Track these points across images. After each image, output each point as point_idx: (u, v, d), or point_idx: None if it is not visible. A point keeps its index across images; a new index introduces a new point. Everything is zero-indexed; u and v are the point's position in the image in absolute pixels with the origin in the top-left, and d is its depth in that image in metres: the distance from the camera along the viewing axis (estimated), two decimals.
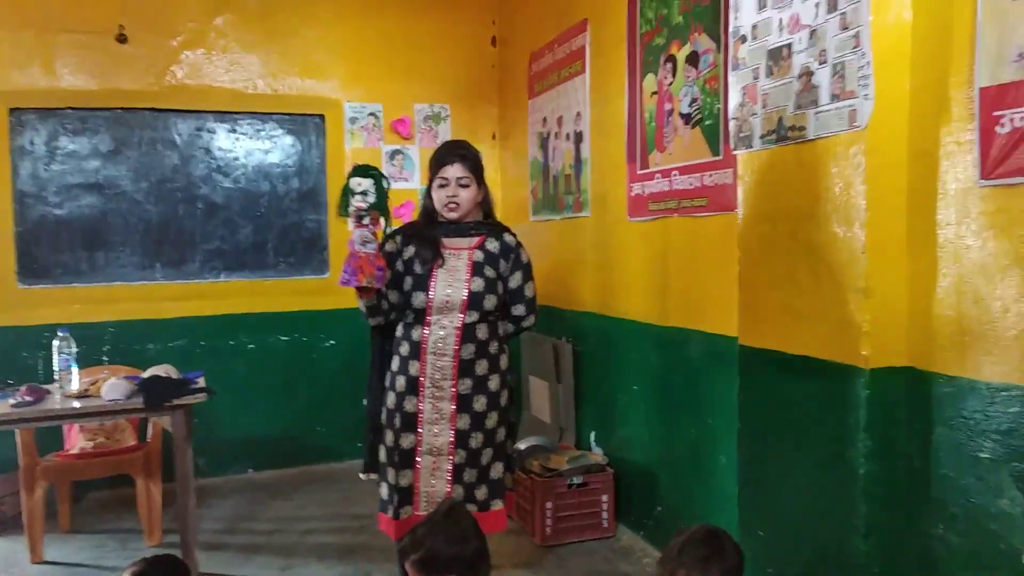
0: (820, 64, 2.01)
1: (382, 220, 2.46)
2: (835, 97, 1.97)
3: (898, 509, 1.94)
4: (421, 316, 2.53)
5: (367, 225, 2.39)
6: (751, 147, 2.29)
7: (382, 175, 2.47)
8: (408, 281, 2.54)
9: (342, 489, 4.25)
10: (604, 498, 3.48)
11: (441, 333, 2.52)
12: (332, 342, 4.67)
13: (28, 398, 2.67)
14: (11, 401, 2.65)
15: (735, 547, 1.81)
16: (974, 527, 1.77)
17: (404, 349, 2.56)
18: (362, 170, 2.45)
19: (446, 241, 2.58)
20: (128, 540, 3.58)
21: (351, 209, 2.41)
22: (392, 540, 2.57)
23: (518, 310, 2.68)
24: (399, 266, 2.57)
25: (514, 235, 2.71)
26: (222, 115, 4.52)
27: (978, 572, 1.77)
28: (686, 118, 3.02)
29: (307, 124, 4.70)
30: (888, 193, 1.92)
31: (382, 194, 2.44)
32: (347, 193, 2.42)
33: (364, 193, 2.40)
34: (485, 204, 2.66)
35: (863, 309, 1.92)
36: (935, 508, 1.87)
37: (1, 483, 3.80)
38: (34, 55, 4.13)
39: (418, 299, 2.51)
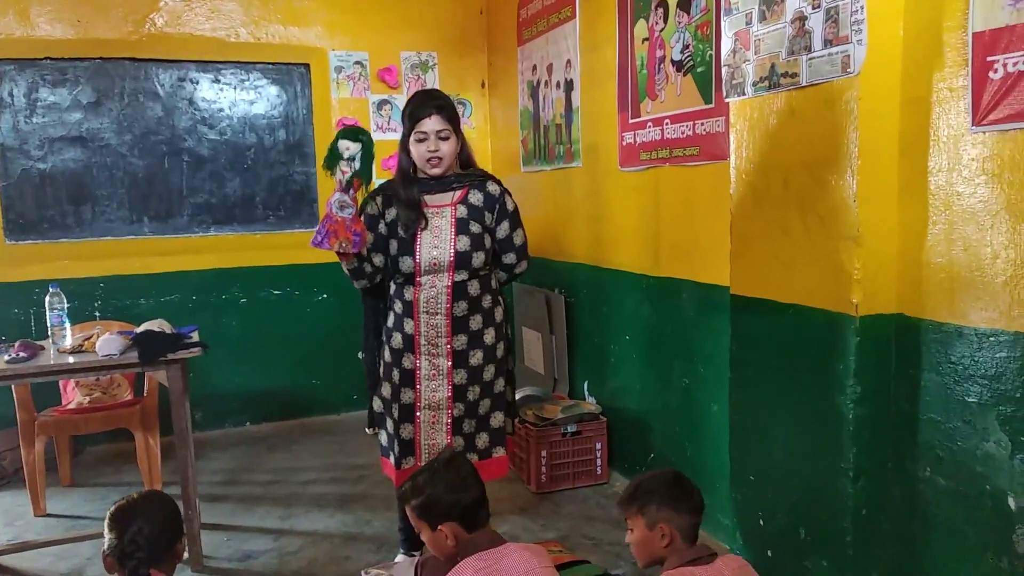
0: (814, 8, 1.98)
1: (364, 188, 2.43)
2: (828, 43, 1.95)
3: (886, 453, 1.99)
4: (410, 278, 2.52)
5: (347, 190, 2.38)
6: (743, 94, 2.27)
7: (371, 140, 2.42)
8: (393, 245, 2.51)
9: (339, 441, 4.30)
10: (598, 446, 3.54)
11: (432, 292, 2.51)
12: (324, 295, 4.67)
13: (22, 354, 2.66)
14: (5, 357, 2.65)
15: (698, 491, 1.90)
16: (961, 469, 1.82)
17: (398, 307, 2.57)
18: (352, 133, 2.39)
19: (427, 199, 2.52)
20: (129, 492, 3.62)
21: (336, 173, 2.38)
22: (396, 486, 2.61)
23: (509, 258, 2.65)
24: (382, 229, 2.53)
25: (498, 182, 2.64)
26: (204, 65, 4.43)
27: (964, 513, 1.83)
28: (678, 65, 2.98)
29: (292, 74, 4.62)
30: (880, 140, 1.92)
31: (368, 161, 2.40)
32: (334, 154, 2.38)
33: (352, 159, 2.37)
34: (463, 153, 2.58)
35: (854, 257, 1.93)
36: (922, 451, 1.92)
37: (0, 438, 3.84)
38: (8, 3, 4.01)
39: (405, 263, 2.49)
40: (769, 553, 2.27)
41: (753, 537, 2.34)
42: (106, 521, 1.75)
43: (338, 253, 2.43)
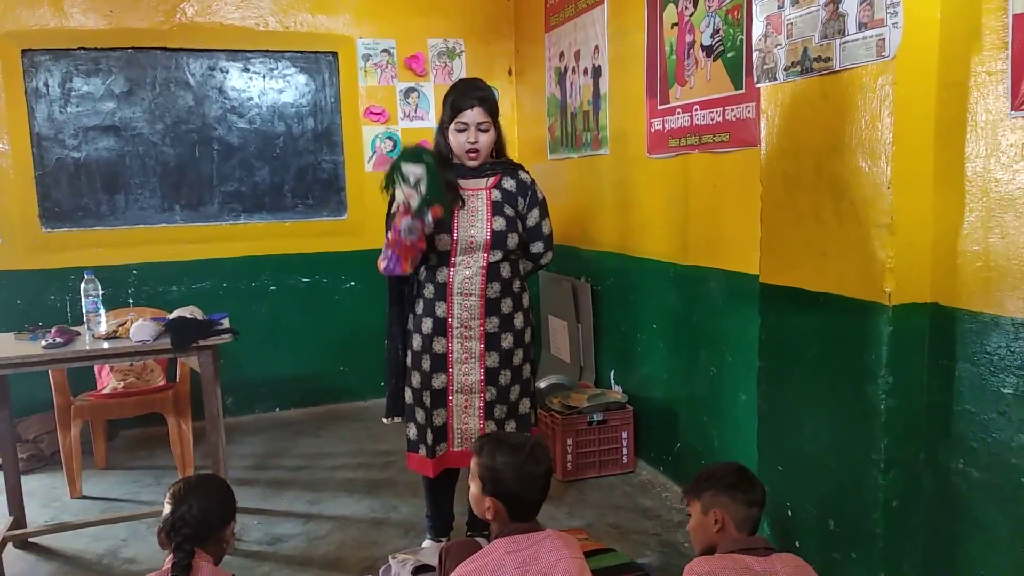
0: None
1: (440, 210, 2.35)
2: (863, 26, 1.91)
3: (918, 444, 1.96)
4: (445, 258, 2.53)
5: (421, 216, 2.31)
6: (775, 79, 2.23)
7: (433, 160, 2.35)
8: (429, 224, 2.53)
9: (367, 427, 4.34)
10: (624, 435, 3.53)
11: (467, 273, 2.52)
12: (352, 283, 4.71)
13: (59, 339, 2.72)
14: (42, 343, 2.71)
15: (761, 485, 1.89)
16: (995, 461, 1.79)
17: (429, 291, 2.57)
18: (414, 155, 2.32)
19: (463, 183, 2.55)
20: (162, 476, 3.70)
21: (400, 196, 2.32)
22: (430, 476, 2.61)
23: (536, 247, 2.69)
24: None
25: (528, 172, 2.69)
26: (234, 53, 4.46)
27: (998, 506, 1.79)
28: (708, 50, 2.94)
29: (320, 62, 4.64)
30: (915, 125, 1.88)
31: (437, 183, 2.33)
32: (397, 175, 2.32)
33: (417, 183, 2.30)
34: (498, 143, 2.61)
35: (887, 245, 1.90)
36: (955, 443, 1.88)
37: (38, 422, 3.93)
38: None
39: (442, 241, 2.50)
40: (797, 544, 2.25)
41: (781, 528, 2.32)
42: (165, 497, 1.81)
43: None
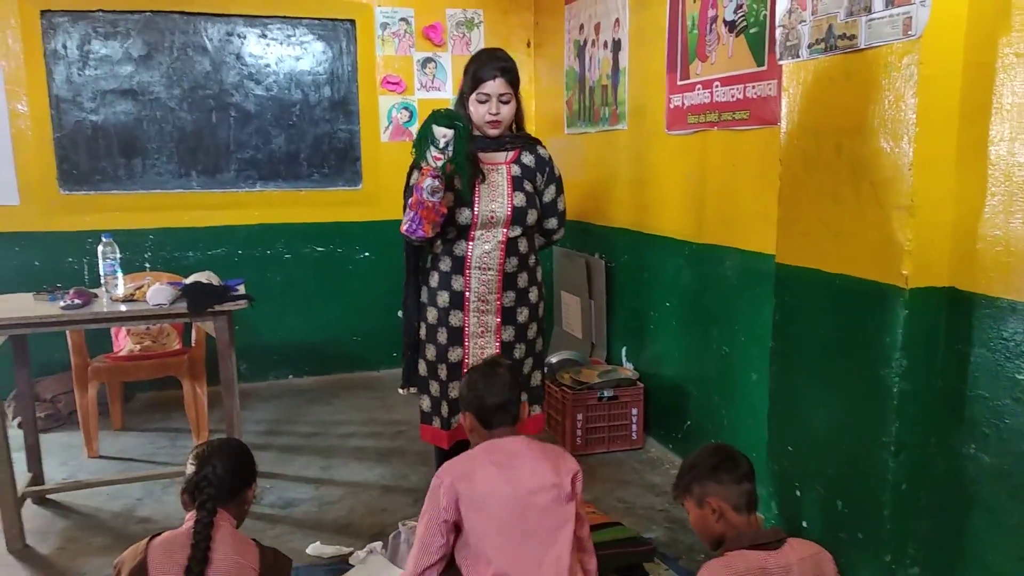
0: None
1: (457, 175, 2.38)
2: (889, 3, 1.87)
3: (929, 428, 1.96)
4: (465, 232, 2.52)
5: (439, 175, 2.31)
6: (798, 57, 2.20)
7: (465, 126, 2.35)
8: (448, 197, 2.53)
9: (379, 396, 4.38)
10: (634, 411, 3.55)
11: (486, 247, 2.52)
12: (367, 254, 4.72)
13: (77, 301, 2.75)
14: (61, 304, 2.73)
15: (743, 456, 1.86)
16: (1007, 447, 1.79)
17: (445, 264, 2.57)
18: (446, 119, 2.30)
19: (483, 156, 2.54)
20: (177, 438, 3.76)
21: (429, 159, 2.31)
22: (444, 448, 2.64)
23: (551, 223, 2.69)
24: None
25: (545, 148, 2.68)
26: (252, 19, 4.45)
27: (1007, 491, 1.79)
28: (730, 25, 2.90)
29: (337, 30, 4.61)
30: (940, 107, 1.85)
31: (462, 148, 2.33)
32: (428, 138, 2.30)
33: (446, 146, 2.29)
34: (517, 116, 2.59)
35: (906, 227, 1.88)
36: (968, 428, 1.88)
37: (55, 382, 3.99)
38: None
39: (463, 215, 2.49)
40: (804, 524, 2.27)
41: (788, 507, 2.34)
42: (188, 459, 1.85)
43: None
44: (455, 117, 2.32)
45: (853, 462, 2.09)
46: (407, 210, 2.41)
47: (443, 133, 2.28)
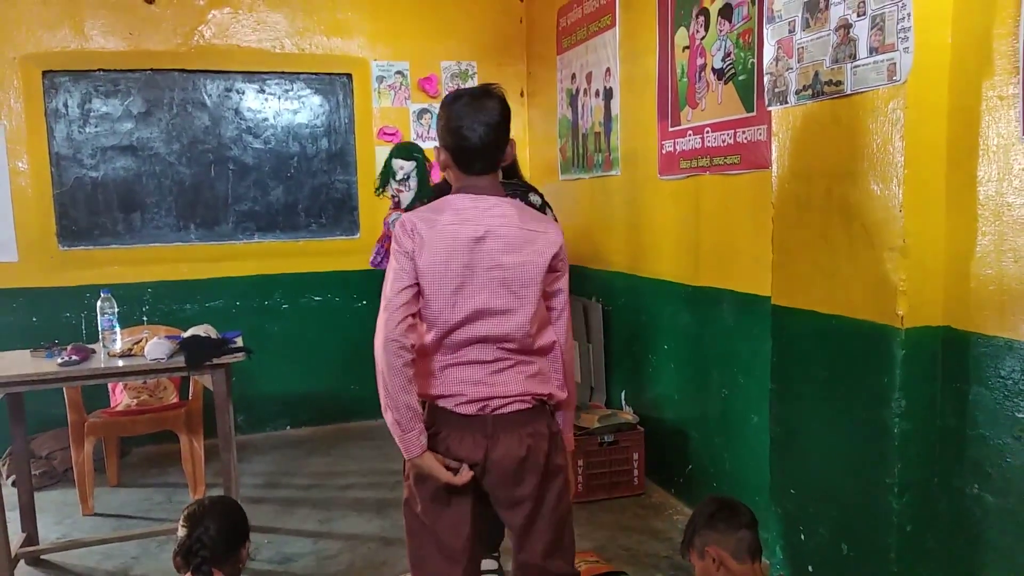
0: (858, 16, 1.96)
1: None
2: (874, 50, 1.92)
3: (932, 468, 1.94)
4: None
5: (406, 210, 2.36)
6: (786, 103, 2.24)
7: (424, 156, 2.41)
8: None
9: (377, 446, 4.34)
10: (635, 456, 3.52)
11: None
12: (364, 302, 4.73)
13: (75, 357, 2.74)
14: (58, 360, 2.73)
15: (744, 506, 1.85)
16: (1010, 486, 1.77)
17: None
18: (405, 151, 2.38)
19: None
20: (174, 493, 3.71)
21: (391, 191, 2.37)
22: None
23: None
24: None
25: (540, 194, 2.68)
26: (250, 75, 4.53)
27: (1013, 532, 1.77)
28: (719, 73, 2.96)
29: (334, 83, 4.70)
30: (927, 149, 1.88)
31: (424, 178, 2.38)
32: (388, 172, 2.37)
33: (406, 178, 2.35)
34: (510, 163, 2.61)
35: (899, 268, 1.90)
36: (970, 468, 1.87)
37: (51, 439, 3.96)
38: (64, 17, 4.16)
39: None
40: (810, 568, 2.23)
41: (794, 552, 2.31)
42: (180, 521, 1.83)
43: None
44: (415, 150, 2.37)
45: (857, 504, 2.07)
46: (377, 243, 2.44)
47: (400, 166, 2.33)
